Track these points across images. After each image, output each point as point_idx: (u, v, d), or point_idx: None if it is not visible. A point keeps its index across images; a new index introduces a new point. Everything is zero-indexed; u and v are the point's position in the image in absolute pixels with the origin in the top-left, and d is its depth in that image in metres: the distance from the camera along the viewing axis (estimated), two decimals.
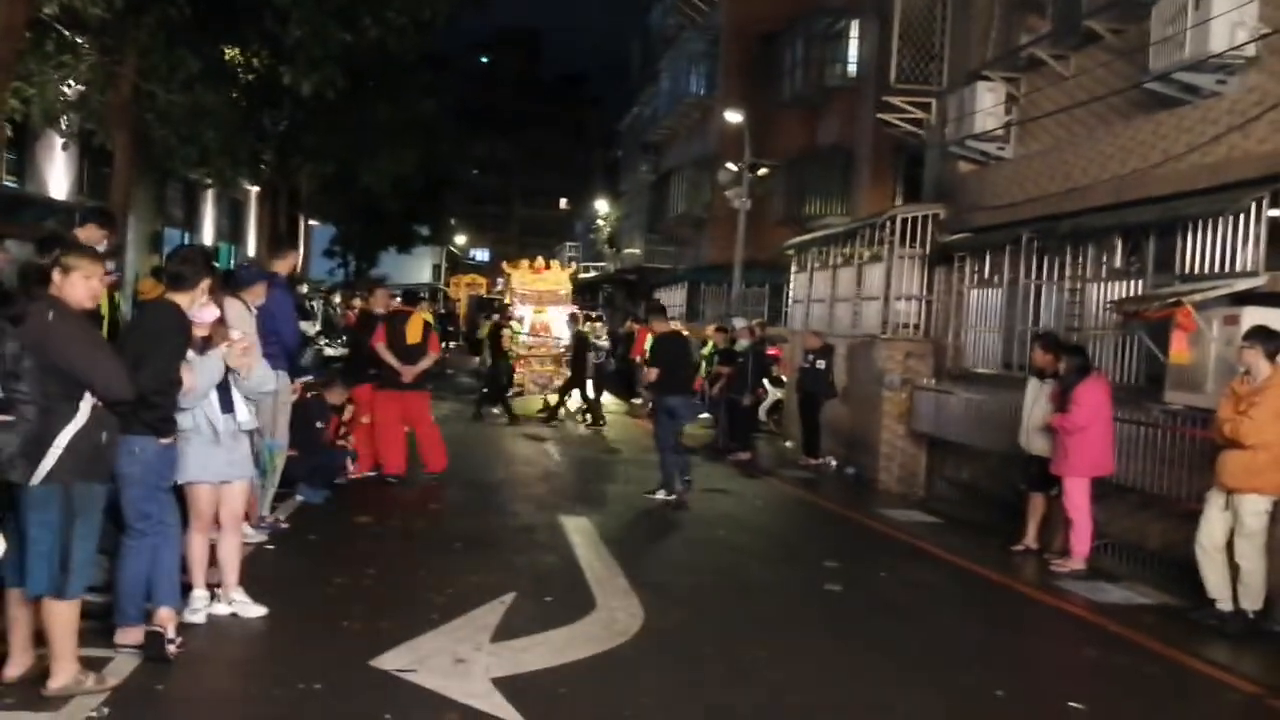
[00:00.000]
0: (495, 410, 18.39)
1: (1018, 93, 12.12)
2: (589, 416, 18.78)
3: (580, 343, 19.03)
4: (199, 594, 5.93)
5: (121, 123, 14.93)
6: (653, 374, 11.57)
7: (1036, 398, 9.46)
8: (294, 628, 6.10)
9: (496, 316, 20.88)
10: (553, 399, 19.39)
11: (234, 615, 6.04)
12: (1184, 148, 9.08)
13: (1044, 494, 9.59)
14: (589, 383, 19.11)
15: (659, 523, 10.62)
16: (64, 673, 4.69)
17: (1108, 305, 9.83)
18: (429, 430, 11.69)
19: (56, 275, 4.80)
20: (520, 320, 20.93)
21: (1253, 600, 7.46)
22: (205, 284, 5.63)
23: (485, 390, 19.09)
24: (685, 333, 13.78)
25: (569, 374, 19.35)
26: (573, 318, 20.55)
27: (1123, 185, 9.80)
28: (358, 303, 27.51)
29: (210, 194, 28.35)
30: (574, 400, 19.48)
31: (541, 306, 21.68)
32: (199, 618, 5.89)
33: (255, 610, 6.09)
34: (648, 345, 12.95)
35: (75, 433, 4.64)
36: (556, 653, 5.91)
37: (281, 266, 8.66)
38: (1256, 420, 7.19)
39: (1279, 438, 7.27)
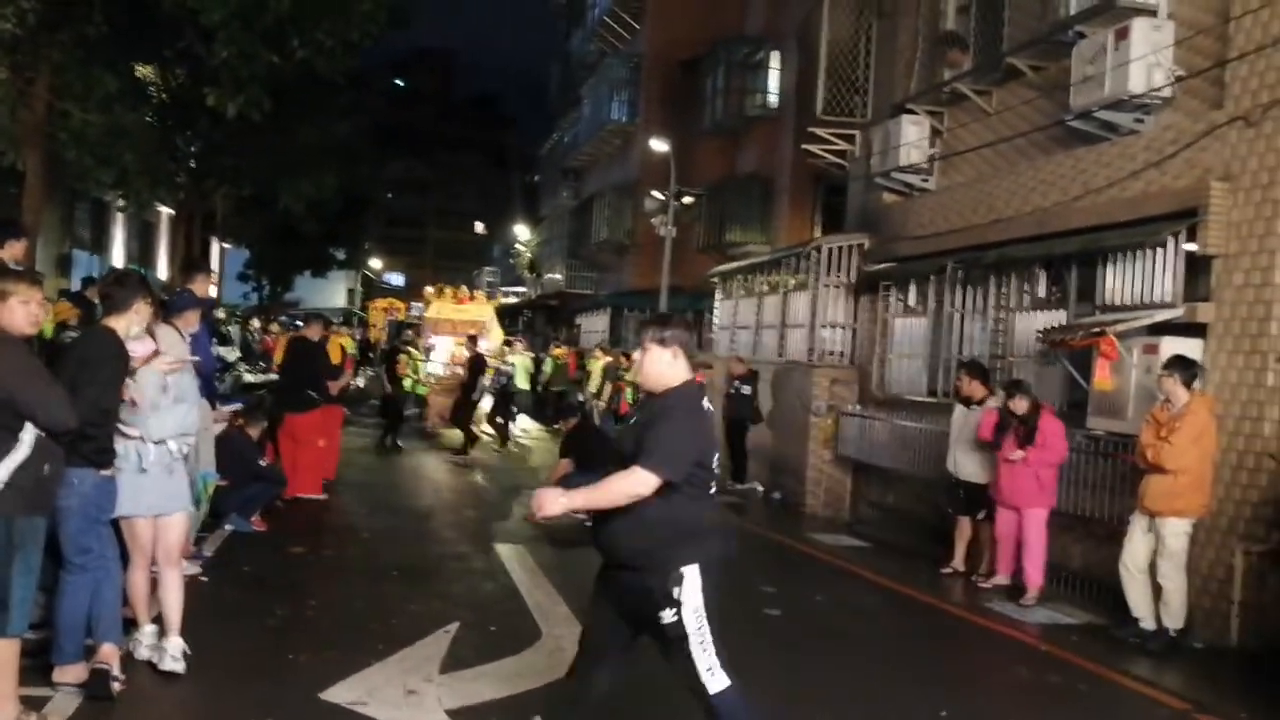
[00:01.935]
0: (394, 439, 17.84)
1: (941, 126, 12.43)
2: (465, 439, 17.84)
3: (475, 365, 18.22)
4: (148, 629, 5.71)
5: (34, 143, 14.52)
6: (564, 466, 11.45)
7: (964, 424, 9.69)
8: (239, 661, 5.96)
9: (395, 343, 20.30)
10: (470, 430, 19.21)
11: (151, 665, 5.59)
12: (1104, 182, 9.40)
13: (971, 518, 9.82)
14: (479, 406, 18.79)
15: (592, 548, 10.58)
16: (4, 713, 4.54)
17: (1037, 335, 10.11)
18: (335, 444, 12.51)
19: None
20: (430, 349, 20.59)
21: (1174, 619, 7.75)
22: (139, 305, 5.46)
23: (386, 419, 18.37)
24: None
25: (457, 400, 18.43)
26: (471, 340, 20.09)
27: (1045, 217, 10.10)
28: (275, 328, 27.14)
29: (120, 216, 27.69)
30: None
31: (461, 339, 21.38)
32: (153, 655, 5.65)
33: (176, 666, 5.53)
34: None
35: (17, 465, 4.49)
36: (507, 682, 5.89)
37: (196, 290, 8.35)
38: (1177, 446, 7.49)
39: (1198, 462, 7.59)
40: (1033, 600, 8.80)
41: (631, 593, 4.23)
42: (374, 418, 21.59)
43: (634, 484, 4.04)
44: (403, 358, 18.88)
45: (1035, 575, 8.90)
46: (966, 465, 9.68)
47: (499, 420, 19.10)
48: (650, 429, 4.11)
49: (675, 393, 4.24)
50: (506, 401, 19.56)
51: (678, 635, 4.12)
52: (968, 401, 9.74)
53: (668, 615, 4.13)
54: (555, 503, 4.10)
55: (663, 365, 4.24)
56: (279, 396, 11.96)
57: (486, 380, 18.72)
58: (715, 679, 4.12)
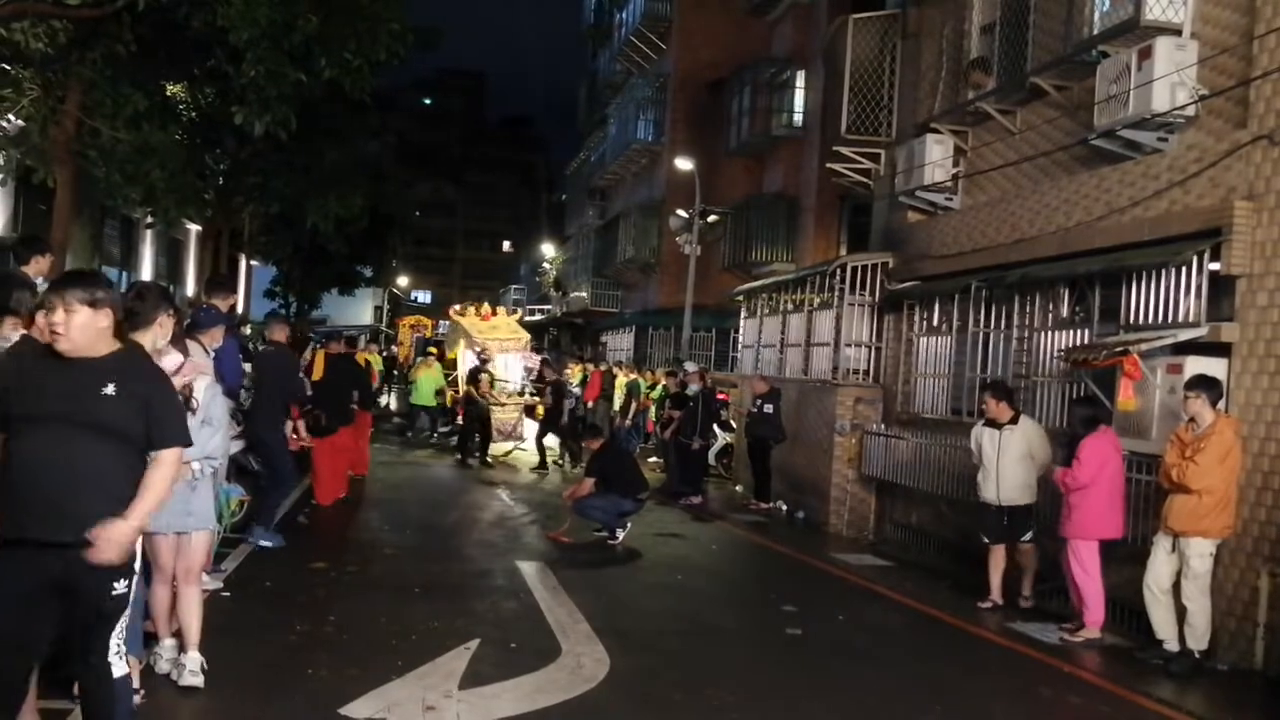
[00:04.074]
0: (478, 458, 18.37)
1: (965, 145, 12.42)
2: (568, 459, 18.80)
3: (559, 390, 19.00)
4: (168, 643, 5.76)
5: (64, 160, 14.69)
6: (587, 485, 11.75)
7: (1003, 448, 9.30)
8: (260, 676, 6.00)
9: (474, 364, 20.71)
10: (527, 448, 19.44)
11: (172, 680, 5.62)
12: (1127, 201, 9.36)
13: (1010, 545, 9.50)
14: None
15: (616, 567, 10.64)
16: None
17: (1058, 354, 10.06)
18: (365, 442, 14.02)
19: (39, 318, 4.71)
20: (490, 364, 20.91)
21: (1198, 640, 7.68)
22: (163, 319, 5.48)
23: (461, 435, 19.05)
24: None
25: (542, 420, 19.29)
26: (545, 363, 20.72)
27: (1068, 237, 10.07)
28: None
29: (149, 233, 27.95)
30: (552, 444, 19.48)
31: (494, 354, 21.74)
32: (173, 670, 5.69)
33: (195, 680, 5.59)
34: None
35: None
36: (526, 699, 5.90)
37: (221, 307, 8.53)
38: (1202, 466, 7.44)
39: (1223, 482, 7.53)
40: (1082, 636, 8.36)
41: (80, 570, 3.86)
42: (397, 434, 22.01)
43: (173, 471, 4.00)
44: (484, 377, 19.25)
45: (1081, 608, 8.48)
46: (1008, 488, 9.32)
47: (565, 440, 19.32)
48: (151, 404, 3.95)
49: (138, 358, 4.10)
50: (573, 422, 19.87)
51: (119, 609, 3.99)
52: (995, 424, 9.43)
53: (120, 586, 3.97)
54: (124, 536, 3.87)
55: (100, 328, 3.95)
56: (329, 411, 12.14)
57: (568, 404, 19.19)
58: (120, 664, 4.02)
